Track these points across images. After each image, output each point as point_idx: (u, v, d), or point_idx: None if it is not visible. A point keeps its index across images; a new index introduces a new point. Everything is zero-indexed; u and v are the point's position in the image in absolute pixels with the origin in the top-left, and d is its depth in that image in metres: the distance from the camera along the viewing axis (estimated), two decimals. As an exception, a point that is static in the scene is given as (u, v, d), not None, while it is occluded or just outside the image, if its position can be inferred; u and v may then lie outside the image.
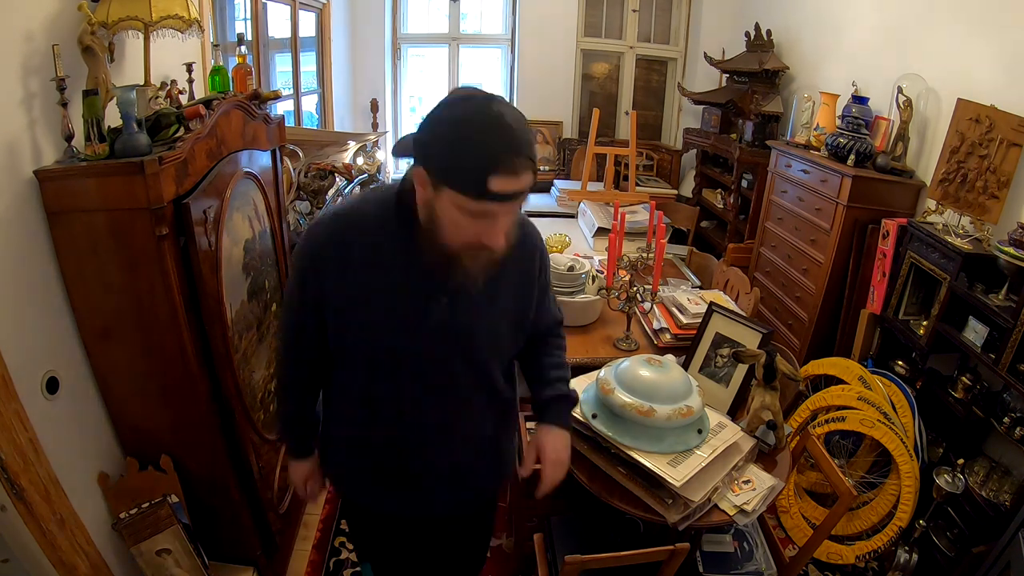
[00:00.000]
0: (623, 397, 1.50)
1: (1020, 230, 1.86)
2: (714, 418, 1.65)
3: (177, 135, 1.53)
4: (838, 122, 2.88)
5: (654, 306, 2.31)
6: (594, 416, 1.55)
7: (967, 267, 2.04)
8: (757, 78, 3.69)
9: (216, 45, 2.44)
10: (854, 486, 2.15)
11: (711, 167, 4.40)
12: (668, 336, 2.24)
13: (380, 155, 4.35)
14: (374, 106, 4.80)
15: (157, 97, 1.66)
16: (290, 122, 3.54)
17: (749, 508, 1.46)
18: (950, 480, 1.95)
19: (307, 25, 3.95)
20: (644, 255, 2.29)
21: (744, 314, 2.04)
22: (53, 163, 1.40)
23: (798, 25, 3.65)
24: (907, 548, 2.06)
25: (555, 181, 4.68)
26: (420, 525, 1.36)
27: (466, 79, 5.33)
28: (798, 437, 1.90)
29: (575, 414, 1.59)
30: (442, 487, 1.28)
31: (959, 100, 2.25)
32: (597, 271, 2.47)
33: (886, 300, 2.46)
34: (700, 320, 2.02)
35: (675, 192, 4.62)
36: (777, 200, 3.23)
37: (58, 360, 1.45)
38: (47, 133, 1.40)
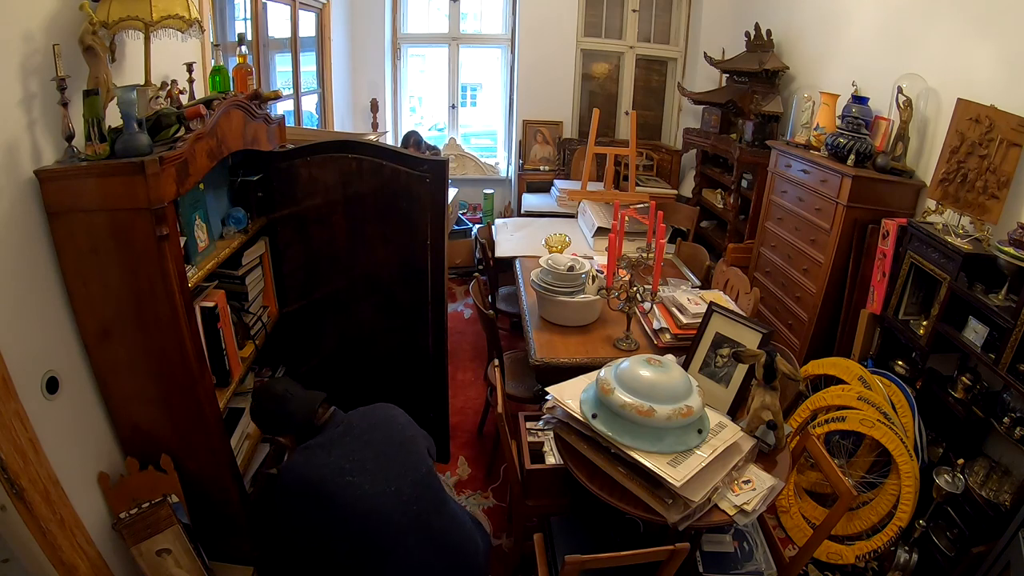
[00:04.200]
0: (623, 397, 1.50)
1: (1020, 230, 1.86)
2: (714, 418, 1.65)
3: (178, 135, 1.53)
4: (838, 122, 2.88)
5: (654, 306, 2.31)
6: (594, 416, 1.55)
7: (967, 267, 2.04)
8: (757, 78, 3.69)
9: (216, 45, 2.45)
10: (854, 486, 2.15)
11: (711, 167, 4.40)
12: (668, 336, 2.24)
13: (380, 155, 4.35)
14: (374, 106, 4.80)
15: (158, 97, 1.66)
16: (290, 122, 3.54)
17: (749, 508, 1.46)
18: (950, 480, 1.95)
19: (307, 25, 3.95)
20: (644, 255, 2.29)
21: (744, 314, 2.04)
22: (53, 163, 1.40)
23: (798, 25, 3.65)
24: (907, 548, 2.06)
25: (555, 181, 4.68)
26: None
27: (466, 79, 5.34)
28: (798, 437, 1.90)
29: (575, 414, 1.60)
30: None
31: (959, 100, 2.25)
32: (597, 271, 2.47)
33: (886, 300, 2.46)
34: (700, 320, 2.02)
35: (675, 192, 4.62)
36: (777, 200, 3.23)
37: (58, 360, 1.45)
38: (47, 133, 1.40)
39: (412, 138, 4.19)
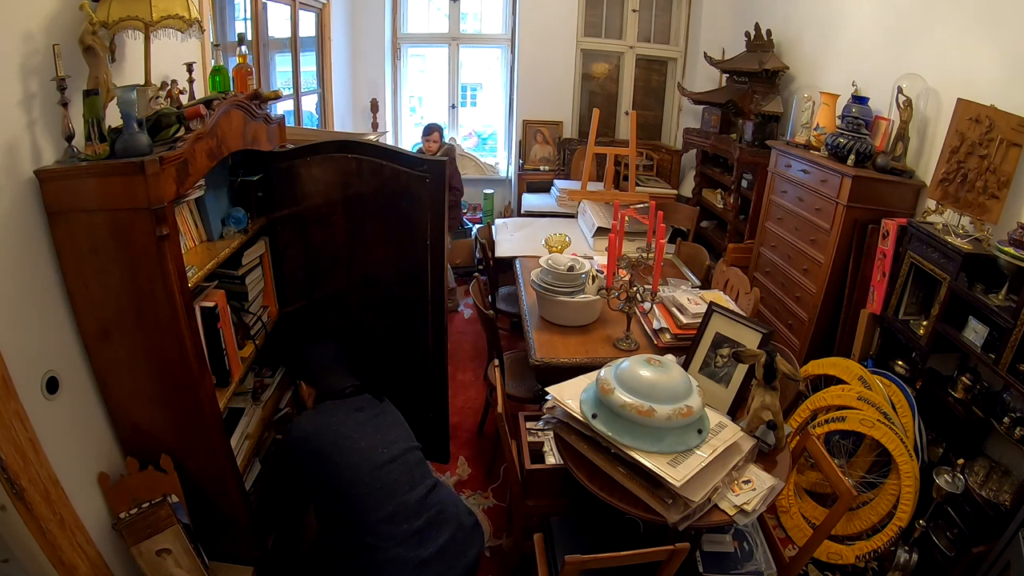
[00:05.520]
0: (623, 397, 1.50)
1: (1020, 230, 1.86)
2: (714, 418, 1.65)
3: (178, 135, 1.53)
4: (838, 122, 2.88)
5: (654, 306, 2.31)
6: (594, 416, 1.55)
7: (967, 267, 2.04)
8: (757, 78, 3.69)
9: (216, 45, 2.45)
10: (854, 486, 2.15)
11: (711, 167, 4.40)
12: (668, 336, 2.24)
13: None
14: (374, 106, 4.80)
15: (158, 97, 1.67)
16: (290, 122, 3.54)
17: (749, 508, 1.46)
18: (950, 480, 1.95)
19: (307, 25, 3.95)
20: (644, 255, 2.29)
21: (744, 314, 2.04)
22: (53, 163, 1.40)
23: (798, 25, 3.65)
24: (907, 548, 2.06)
25: (555, 181, 4.68)
26: None
27: (466, 79, 5.35)
28: (798, 437, 1.90)
29: (575, 414, 1.60)
30: None
31: (959, 100, 2.24)
32: (597, 271, 2.47)
33: (886, 300, 2.46)
34: (700, 320, 2.03)
35: (675, 192, 4.62)
36: (777, 200, 3.23)
37: (58, 360, 1.45)
38: (47, 133, 1.40)
39: (435, 129, 4.18)
